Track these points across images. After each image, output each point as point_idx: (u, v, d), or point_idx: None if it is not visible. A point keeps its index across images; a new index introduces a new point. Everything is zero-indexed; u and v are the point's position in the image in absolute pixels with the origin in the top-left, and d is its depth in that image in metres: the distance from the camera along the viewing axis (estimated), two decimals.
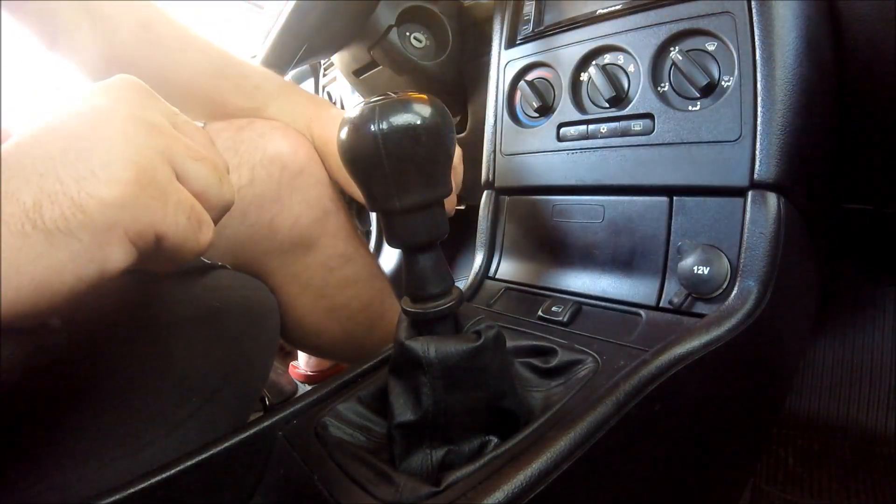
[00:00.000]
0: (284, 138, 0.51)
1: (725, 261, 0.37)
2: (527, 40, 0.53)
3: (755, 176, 0.36)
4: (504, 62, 0.54)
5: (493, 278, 0.52)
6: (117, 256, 0.22)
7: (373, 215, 1.25)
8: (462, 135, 0.73)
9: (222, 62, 0.52)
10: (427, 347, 0.27)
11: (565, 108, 0.48)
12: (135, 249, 0.23)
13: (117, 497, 0.29)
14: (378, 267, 0.62)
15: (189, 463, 0.32)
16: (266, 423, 0.35)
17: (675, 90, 0.41)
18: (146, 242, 0.23)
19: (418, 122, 0.25)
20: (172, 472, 0.31)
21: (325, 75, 1.19)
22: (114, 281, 0.23)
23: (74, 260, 0.21)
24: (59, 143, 0.22)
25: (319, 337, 0.59)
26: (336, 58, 0.78)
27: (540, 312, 0.43)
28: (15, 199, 0.20)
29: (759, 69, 0.36)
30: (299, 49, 0.61)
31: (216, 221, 0.26)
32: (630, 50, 0.43)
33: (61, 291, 0.21)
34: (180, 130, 0.26)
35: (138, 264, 0.24)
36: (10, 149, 0.22)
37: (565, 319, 0.41)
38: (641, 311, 0.40)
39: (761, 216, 0.36)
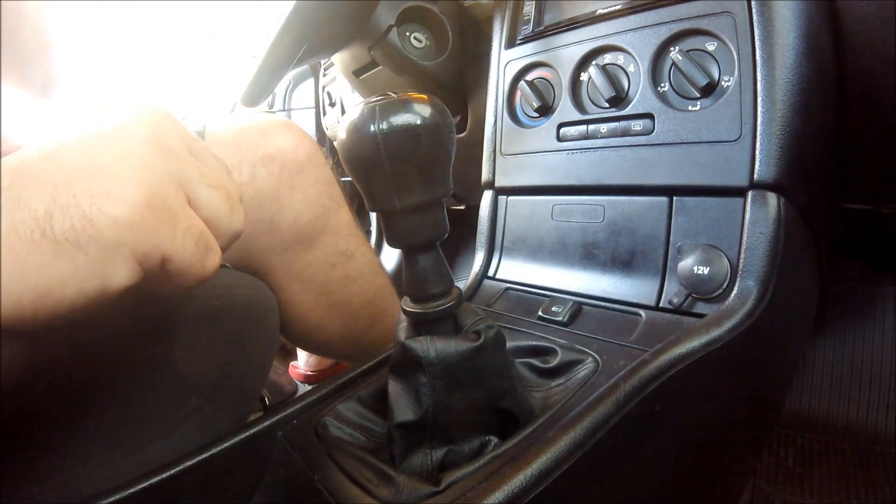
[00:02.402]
0: (286, 135, 0.51)
1: (725, 261, 0.37)
2: (527, 40, 0.53)
3: (755, 176, 0.36)
4: (504, 62, 0.54)
5: (493, 278, 0.52)
6: (121, 274, 0.22)
7: (373, 215, 1.25)
8: (462, 135, 0.73)
9: None
10: (427, 347, 0.27)
11: (565, 108, 0.48)
12: (140, 269, 0.23)
13: (117, 497, 0.29)
14: (379, 264, 0.62)
15: (189, 463, 0.32)
16: (266, 423, 0.35)
17: (675, 90, 0.41)
18: (152, 264, 0.23)
19: (418, 122, 0.25)
20: (172, 472, 0.31)
21: (325, 75, 1.19)
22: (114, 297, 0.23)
23: (79, 273, 0.21)
24: (76, 158, 0.22)
25: (321, 333, 0.59)
26: (336, 58, 0.78)
27: (540, 312, 0.43)
28: (27, 206, 0.20)
29: (759, 69, 0.36)
30: (299, 49, 0.61)
31: (224, 249, 0.26)
32: (630, 50, 0.43)
33: (62, 303, 0.21)
34: (197, 156, 0.26)
35: (142, 286, 0.24)
36: (28, 157, 0.22)
37: (565, 319, 0.41)
38: (641, 311, 0.40)
39: (761, 216, 0.36)
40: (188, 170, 0.24)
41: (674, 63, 0.40)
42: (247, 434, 0.34)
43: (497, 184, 0.54)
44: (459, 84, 0.71)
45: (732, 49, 0.38)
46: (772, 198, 0.36)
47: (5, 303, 0.20)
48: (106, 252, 0.21)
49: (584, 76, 0.47)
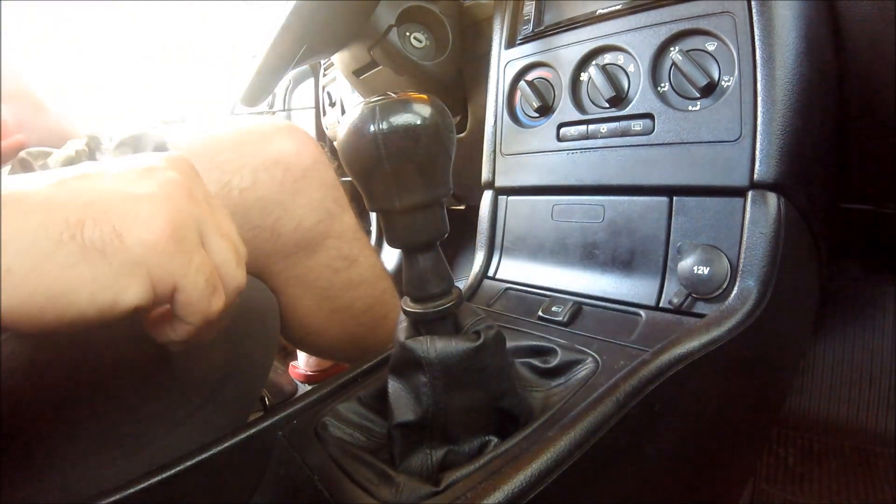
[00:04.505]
0: (288, 139, 0.50)
1: (725, 261, 0.37)
2: (527, 40, 0.53)
3: (755, 176, 0.36)
4: (504, 62, 0.54)
5: (493, 278, 0.52)
6: (134, 292, 0.23)
7: (373, 215, 1.25)
8: (462, 135, 0.73)
9: None
10: (427, 347, 0.27)
11: (565, 108, 0.48)
12: (152, 292, 0.24)
13: (117, 497, 0.29)
14: (382, 267, 0.62)
15: (189, 463, 0.32)
16: (266, 423, 0.35)
17: (675, 90, 0.41)
18: (164, 289, 0.24)
19: (418, 122, 0.25)
20: (172, 472, 0.31)
21: (325, 75, 1.19)
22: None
23: (96, 281, 0.22)
24: (112, 182, 0.24)
25: (322, 337, 0.59)
26: (336, 58, 0.78)
27: (540, 312, 0.43)
28: (59, 210, 0.22)
29: (759, 69, 0.36)
30: (299, 49, 0.61)
31: (226, 304, 0.28)
32: (630, 50, 0.43)
33: (71, 309, 0.22)
34: (213, 209, 0.28)
35: (146, 325, 0.26)
36: (63, 173, 0.24)
37: (565, 319, 0.41)
38: (641, 311, 0.40)
39: (761, 216, 0.36)
40: (207, 217, 0.27)
41: (674, 63, 0.40)
42: (247, 434, 0.34)
43: (497, 184, 0.54)
44: (459, 84, 0.71)
45: (732, 49, 0.38)
46: (772, 198, 0.36)
47: (18, 296, 0.20)
48: (127, 267, 0.23)
49: (584, 76, 0.47)
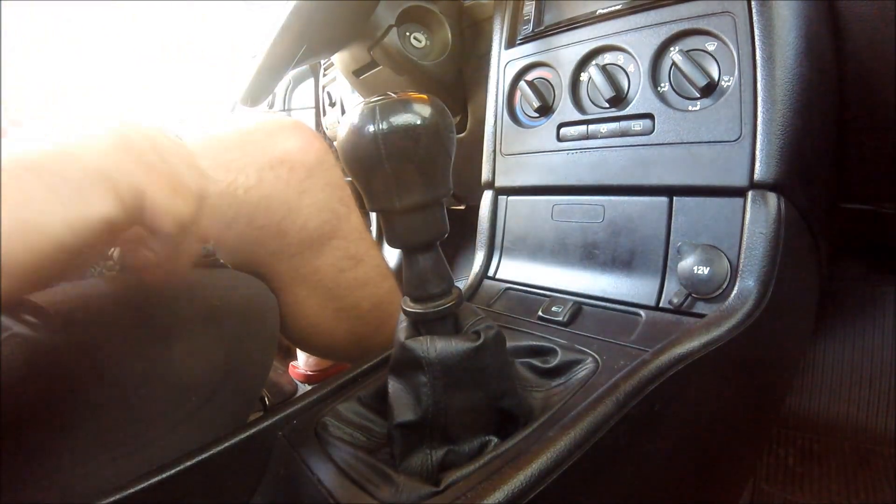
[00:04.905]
0: (293, 137, 0.49)
1: (725, 261, 0.37)
2: (527, 40, 0.53)
3: (755, 176, 0.36)
4: (504, 62, 0.54)
5: (493, 278, 0.52)
6: (100, 201, 0.24)
7: (373, 215, 1.25)
8: (462, 135, 0.73)
9: None
10: (427, 347, 0.27)
11: (565, 108, 0.48)
12: (120, 203, 0.25)
13: (117, 497, 0.29)
14: (387, 266, 0.62)
15: (189, 463, 0.32)
16: (266, 423, 0.35)
17: (675, 90, 0.41)
18: (130, 198, 0.25)
19: (418, 122, 0.25)
20: (172, 472, 0.31)
21: (325, 75, 1.19)
22: (115, 281, 0.24)
23: (60, 200, 0.23)
24: (58, 132, 0.25)
25: (326, 337, 0.59)
26: (336, 58, 0.78)
27: (540, 312, 0.43)
28: (13, 160, 0.23)
29: (759, 69, 0.36)
30: (299, 49, 0.61)
31: (192, 207, 0.29)
32: (630, 50, 0.43)
33: (45, 237, 0.22)
34: (159, 129, 0.30)
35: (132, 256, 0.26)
36: (9, 142, 0.25)
37: (565, 319, 0.41)
38: (641, 311, 0.40)
39: (761, 216, 0.36)
40: (154, 132, 0.29)
41: (674, 63, 0.40)
42: (247, 434, 0.34)
43: (497, 184, 0.54)
44: (459, 84, 0.71)
45: (732, 49, 0.38)
46: (772, 198, 0.36)
47: None
48: (88, 179, 0.24)
49: (584, 76, 0.47)
